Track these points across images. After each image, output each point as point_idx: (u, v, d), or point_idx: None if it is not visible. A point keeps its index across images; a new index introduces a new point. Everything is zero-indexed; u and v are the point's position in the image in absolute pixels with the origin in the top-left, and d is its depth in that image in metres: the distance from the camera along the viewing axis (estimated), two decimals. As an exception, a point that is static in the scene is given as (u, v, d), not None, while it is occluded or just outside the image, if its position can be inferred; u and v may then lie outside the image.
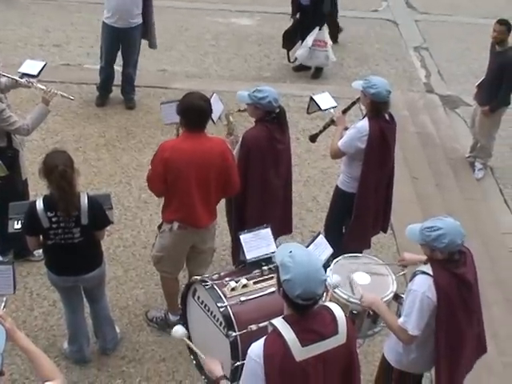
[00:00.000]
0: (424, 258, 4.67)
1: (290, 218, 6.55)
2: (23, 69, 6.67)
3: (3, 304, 4.06)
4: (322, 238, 4.91)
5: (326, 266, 4.83)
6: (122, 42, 9.05)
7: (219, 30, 12.01)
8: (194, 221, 5.62)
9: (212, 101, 5.99)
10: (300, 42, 10.58)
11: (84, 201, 5.24)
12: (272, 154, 5.98)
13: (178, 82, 10.06)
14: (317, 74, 10.76)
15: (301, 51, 10.48)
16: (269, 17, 12.46)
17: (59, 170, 5.05)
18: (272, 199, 6.16)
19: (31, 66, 6.73)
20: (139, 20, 8.93)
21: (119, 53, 9.23)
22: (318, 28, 10.29)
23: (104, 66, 9.26)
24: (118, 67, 9.38)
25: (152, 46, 9.50)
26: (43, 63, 6.82)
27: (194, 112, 5.46)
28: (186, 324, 4.98)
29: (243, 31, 12.07)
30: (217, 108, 6.14)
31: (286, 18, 11.92)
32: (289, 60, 10.88)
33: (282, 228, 6.34)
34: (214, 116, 6.04)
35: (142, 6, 8.92)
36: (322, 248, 4.85)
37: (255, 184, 6.02)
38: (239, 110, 6.36)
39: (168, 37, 11.42)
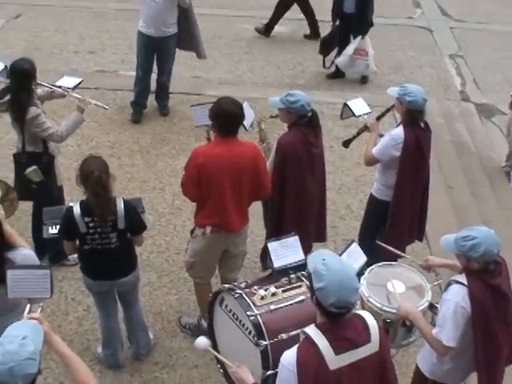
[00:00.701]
0: (449, 262, 4.63)
1: (324, 225, 6.52)
2: (60, 83, 6.76)
3: (40, 308, 4.10)
4: (355, 246, 4.88)
5: (359, 274, 4.81)
6: (157, 51, 9.07)
7: (253, 37, 12.03)
8: (226, 225, 5.65)
9: (243, 109, 6.01)
10: (337, 49, 10.57)
11: (120, 206, 5.29)
12: (307, 159, 5.98)
13: (211, 89, 10.09)
14: (364, 79, 10.73)
15: (341, 58, 10.45)
16: (302, 24, 12.44)
17: (95, 175, 5.11)
18: (309, 205, 6.16)
19: (68, 81, 6.83)
20: (174, 29, 8.95)
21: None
22: (360, 36, 10.27)
23: (141, 76, 9.27)
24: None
25: (200, 56, 9.52)
26: (80, 80, 6.93)
27: (225, 117, 5.49)
28: (212, 333, 4.99)
29: (277, 38, 12.07)
30: (248, 115, 6.15)
31: (320, 24, 11.96)
32: (324, 66, 10.86)
33: (318, 235, 6.33)
34: (246, 123, 6.06)
35: (183, 19, 8.93)
36: (356, 256, 4.83)
37: (292, 189, 6.02)
38: (271, 116, 6.36)
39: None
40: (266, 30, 12.12)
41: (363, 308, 4.62)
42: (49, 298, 4.28)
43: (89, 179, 5.13)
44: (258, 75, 10.86)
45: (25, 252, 4.63)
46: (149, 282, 6.79)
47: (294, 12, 12.31)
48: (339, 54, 10.58)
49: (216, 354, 4.65)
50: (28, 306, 4.10)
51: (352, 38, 10.42)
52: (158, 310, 6.54)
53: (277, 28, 12.34)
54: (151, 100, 9.48)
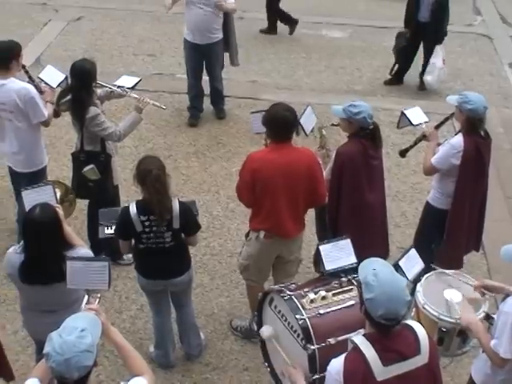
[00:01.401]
0: (506, 287, 4.53)
1: (386, 239, 6.42)
2: (119, 82, 6.85)
3: (98, 299, 4.16)
4: (414, 252, 4.83)
5: (416, 280, 4.76)
6: (204, 58, 9.10)
7: (311, 43, 12.01)
8: (281, 231, 5.65)
9: (306, 113, 6.03)
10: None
11: (176, 206, 5.34)
12: (366, 170, 5.92)
13: (268, 94, 10.10)
14: (422, 86, 10.60)
15: (432, 76, 10.24)
16: (361, 30, 12.40)
17: (153, 173, 5.18)
18: (366, 217, 6.07)
19: (127, 81, 6.92)
20: (219, 35, 8.96)
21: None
22: (438, 46, 10.14)
23: (192, 82, 9.34)
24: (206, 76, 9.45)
25: (233, 63, 9.54)
26: (138, 79, 7.02)
27: (278, 123, 5.49)
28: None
29: (335, 44, 12.03)
30: (310, 120, 6.14)
31: (377, 31, 11.91)
32: (391, 72, 10.72)
33: (377, 249, 6.22)
34: (307, 128, 6.04)
35: (223, 24, 8.95)
36: (414, 262, 4.77)
37: (348, 200, 5.96)
38: (333, 124, 6.32)
39: (260, 48, 11.51)
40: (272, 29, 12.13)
41: (418, 316, 4.56)
42: (106, 290, 4.36)
43: (147, 177, 5.20)
44: (315, 80, 10.83)
45: (82, 251, 4.73)
46: (201, 283, 6.83)
47: (352, 18, 12.28)
48: (405, 62, 10.47)
49: (277, 346, 4.64)
50: (86, 297, 4.17)
51: (422, 46, 10.27)
52: (210, 311, 6.57)
53: (334, 33, 12.31)
54: (208, 103, 9.53)
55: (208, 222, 7.56)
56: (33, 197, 5.09)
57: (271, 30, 12.17)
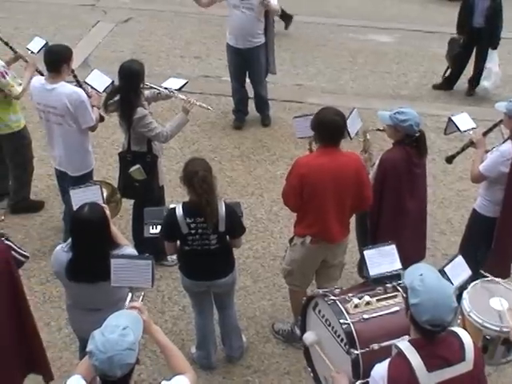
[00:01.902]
0: None
1: (423, 245, 6.36)
2: (166, 84, 6.89)
3: (141, 297, 4.19)
4: (460, 259, 4.76)
5: (463, 288, 4.71)
6: (246, 63, 9.08)
7: (357, 47, 11.96)
8: (327, 236, 5.63)
9: (352, 116, 5.99)
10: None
11: (222, 208, 5.36)
12: (408, 178, 5.87)
13: (313, 97, 10.08)
14: (470, 92, 10.50)
15: (489, 81, 10.14)
16: (408, 34, 12.31)
17: (200, 175, 5.21)
18: (406, 224, 6.02)
19: (174, 83, 6.95)
20: (261, 39, 8.90)
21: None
22: (493, 51, 10.03)
23: (236, 87, 9.35)
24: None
25: (270, 70, 9.47)
26: (185, 81, 7.04)
27: (328, 127, 5.46)
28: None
29: (381, 48, 11.96)
30: (355, 124, 6.11)
31: (424, 36, 11.81)
32: (444, 74, 10.62)
33: (415, 254, 6.18)
34: (352, 131, 6.02)
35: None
36: (460, 269, 4.71)
37: (389, 207, 5.92)
38: (378, 129, 6.28)
39: (306, 52, 11.50)
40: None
41: (464, 323, 4.51)
42: (150, 288, 4.39)
43: (194, 178, 5.22)
44: (361, 85, 10.78)
45: (128, 251, 4.77)
46: (244, 286, 6.84)
47: (399, 23, 12.18)
48: (459, 68, 10.37)
49: (321, 352, 4.64)
50: (129, 295, 4.21)
51: (475, 52, 10.17)
52: (252, 314, 6.57)
53: (381, 38, 12.25)
54: (253, 107, 9.54)
55: (251, 225, 7.57)
56: (80, 196, 5.14)
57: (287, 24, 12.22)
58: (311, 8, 12.12)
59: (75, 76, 6.92)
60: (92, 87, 6.73)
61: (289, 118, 9.26)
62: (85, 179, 6.59)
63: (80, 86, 6.77)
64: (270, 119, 9.53)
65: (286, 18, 12.14)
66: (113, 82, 6.75)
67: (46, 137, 6.89)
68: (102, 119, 6.84)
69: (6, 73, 7.00)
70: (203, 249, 5.44)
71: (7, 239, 5.02)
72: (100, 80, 6.77)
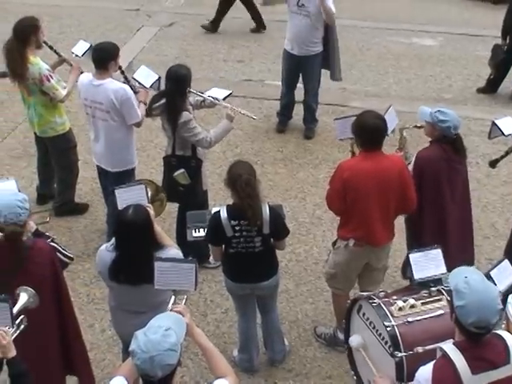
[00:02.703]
0: None
1: (470, 243, 6.30)
2: (211, 93, 6.92)
3: (184, 300, 4.21)
4: (507, 263, 4.71)
5: (508, 292, 4.64)
6: (301, 70, 9.06)
7: (400, 50, 11.89)
8: (371, 239, 5.61)
9: (388, 113, 5.97)
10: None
11: (266, 211, 5.38)
12: (448, 176, 5.84)
13: (356, 101, 10.05)
14: None
15: None
16: (452, 38, 12.21)
17: (244, 178, 5.24)
18: (449, 225, 5.98)
19: (217, 92, 6.99)
20: (319, 48, 8.88)
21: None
22: None
23: (285, 92, 9.33)
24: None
25: (334, 77, 9.41)
26: (229, 92, 7.06)
27: (369, 131, 5.46)
28: (348, 339, 4.97)
29: (425, 52, 11.88)
30: (392, 121, 6.07)
31: (469, 39, 11.70)
32: (488, 78, 10.49)
33: (461, 254, 6.13)
34: (388, 128, 5.95)
35: (324, 36, 8.87)
36: (507, 274, 4.65)
37: (429, 205, 5.88)
38: (416, 126, 6.25)
39: (349, 56, 11.43)
40: (213, 27, 12.37)
41: (508, 328, 4.45)
42: (193, 291, 4.41)
43: (238, 182, 5.25)
44: (405, 88, 10.71)
45: (172, 252, 4.80)
46: (286, 289, 6.83)
47: (443, 26, 12.07)
48: (503, 73, 10.24)
49: (366, 356, 4.62)
50: (173, 297, 4.24)
51: None
52: (294, 317, 6.56)
53: (425, 41, 12.16)
54: (297, 110, 9.51)
55: (294, 229, 7.54)
56: (125, 196, 5.19)
57: (260, 26, 12.41)
58: (355, 12, 12.08)
59: (123, 72, 7.04)
60: (139, 83, 6.85)
61: (332, 122, 9.22)
62: (126, 176, 6.73)
63: (128, 82, 6.89)
64: (314, 133, 9.38)
65: (260, 21, 12.40)
66: (159, 78, 6.86)
67: (90, 133, 6.99)
68: (148, 114, 6.88)
69: (51, 76, 7.11)
70: (248, 251, 5.46)
71: (52, 241, 5.10)
72: (147, 76, 6.90)
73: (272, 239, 5.55)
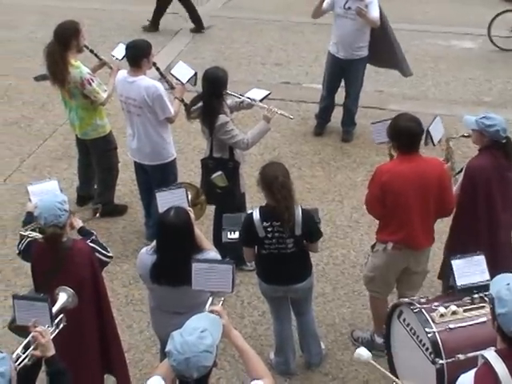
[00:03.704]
0: None
1: None
2: (249, 94, 6.94)
3: (221, 302, 4.22)
4: None
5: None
6: (344, 73, 9.04)
7: (439, 53, 11.82)
8: (412, 243, 5.57)
9: (435, 123, 5.94)
10: None
11: (298, 212, 5.40)
12: (499, 184, 5.73)
13: (394, 104, 10.01)
14: None
15: None
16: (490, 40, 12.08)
17: (279, 180, 5.27)
18: (500, 237, 5.88)
19: (256, 93, 7.01)
20: (363, 53, 8.85)
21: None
22: None
23: (325, 96, 9.32)
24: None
25: (405, 74, 9.37)
26: (267, 92, 7.07)
27: (404, 134, 5.43)
28: (388, 345, 4.94)
29: (464, 54, 11.79)
30: (438, 131, 6.03)
31: (509, 41, 11.55)
32: None
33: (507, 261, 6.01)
34: (435, 138, 5.94)
35: (381, 36, 8.81)
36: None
37: (481, 216, 5.77)
38: (463, 136, 6.17)
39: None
40: (153, 26, 12.57)
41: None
42: (230, 293, 4.42)
43: (274, 184, 5.27)
44: (443, 91, 10.63)
45: (211, 255, 4.82)
46: (323, 292, 6.82)
47: (483, 28, 11.95)
48: None
49: (377, 366, 4.57)
50: (210, 299, 4.25)
51: None
52: (331, 321, 6.55)
53: (464, 44, 12.06)
54: (334, 112, 9.50)
55: (331, 232, 7.55)
56: (166, 198, 5.22)
57: (199, 27, 12.62)
58: (393, 14, 11.97)
59: (158, 69, 7.18)
60: (176, 78, 6.96)
61: (369, 125, 9.19)
62: (165, 169, 6.90)
63: (164, 78, 7.05)
64: (352, 137, 9.35)
65: (199, 21, 12.59)
66: (196, 73, 6.96)
67: (127, 128, 7.12)
68: (187, 108, 6.90)
69: (92, 80, 7.19)
70: (280, 253, 5.47)
71: (92, 241, 5.15)
72: (184, 72, 7.02)
73: (305, 241, 5.54)
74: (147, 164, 7.04)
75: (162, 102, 6.69)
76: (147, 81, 6.73)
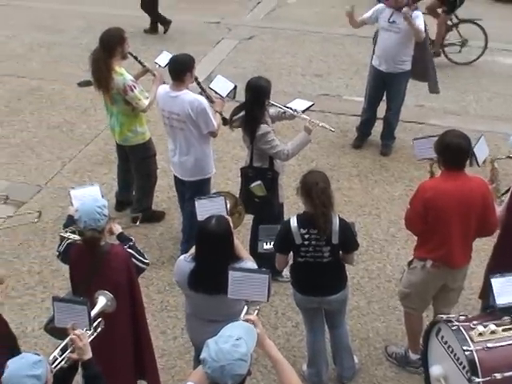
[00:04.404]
0: None
1: None
2: (292, 105, 6.93)
3: (256, 311, 4.23)
4: None
5: None
6: (386, 87, 9.02)
7: (481, 68, 11.72)
8: (450, 261, 5.52)
9: (479, 143, 5.83)
10: None
11: (336, 221, 5.39)
12: None
13: (435, 119, 9.96)
14: None
15: None
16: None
17: (320, 186, 5.28)
18: None
19: (299, 104, 7.00)
20: (406, 67, 8.81)
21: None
22: None
23: (366, 108, 9.32)
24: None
25: (431, 90, 9.35)
26: (311, 103, 7.06)
27: (453, 150, 5.36)
28: (425, 361, 4.91)
29: (507, 70, 11.67)
30: (483, 151, 5.93)
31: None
32: None
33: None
34: (480, 159, 5.84)
35: (419, 50, 8.78)
36: None
37: None
38: (509, 157, 6.11)
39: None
40: (154, 29, 13.04)
41: None
42: (265, 302, 4.42)
43: (313, 189, 5.28)
44: (485, 107, 10.54)
45: (248, 264, 4.84)
46: (358, 306, 6.80)
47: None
48: None
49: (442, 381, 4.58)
50: (245, 308, 4.25)
51: None
52: (365, 335, 6.52)
53: (507, 60, 11.96)
54: (375, 126, 9.47)
55: (367, 245, 7.53)
56: (205, 207, 5.26)
57: (153, 29, 13.04)
58: (434, 29, 11.97)
59: (199, 83, 7.16)
60: (216, 92, 6.95)
61: (409, 139, 9.10)
62: (203, 185, 6.83)
63: (204, 92, 7.00)
64: (391, 151, 9.31)
65: (165, 23, 12.84)
66: (235, 86, 6.95)
67: (169, 143, 7.09)
68: (225, 122, 6.95)
69: (135, 86, 7.25)
70: (316, 261, 5.46)
71: (130, 246, 5.20)
72: (223, 85, 7.01)
73: (341, 252, 5.53)
74: (186, 179, 7.00)
75: (205, 116, 6.66)
76: (191, 95, 6.69)
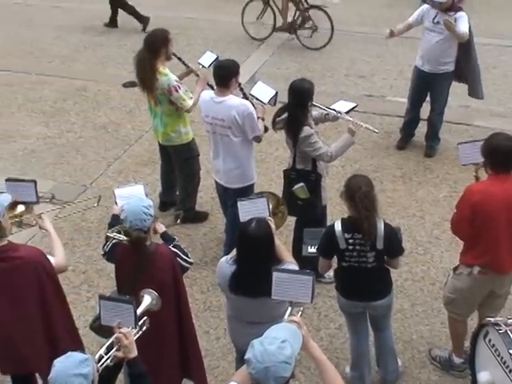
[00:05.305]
0: None
1: None
2: (335, 106, 6.90)
3: (300, 312, 4.22)
4: None
5: None
6: (429, 88, 8.96)
7: (528, 70, 11.58)
8: (498, 266, 5.44)
9: None
10: None
11: (381, 226, 5.34)
12: None
13: (480, 120, 9.85)
14: None
15: None
16: None
17: (363, 190, 5.23)
18: None
19: (343, 105, 6.95)
20: (449, 67, 8.74)
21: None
22: None
23: (409, 109, 9.26)
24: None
25: (473, 95, 9.25)
26: (354, 104, 7.01)
27: (501, 153, 5.28)
28: (472, 365, 4.86)
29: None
30: None
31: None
32: None
33: None
34: None
35: (463, 52, 8.71)
36: None
37: None
38: None
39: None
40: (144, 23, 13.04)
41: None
42: (309, 303, 4.42)
43: (356, 194, 5.24)
44: (532, 108, 10.40)
45: (290, 267, 4.82)
46: (401, 308, 6.75)
47: None
48: None
49: None
50: (289, 309, 4.25)
51: None
52: (409, 338, 6.47)
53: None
54: (419, 127, 9.40)
55: (411, 247, 7.46)
56: (248, 208, 5.27)
57: (113, 23, 13.49)
58: (481, 29, 11.82)
59: (242, 89, 7.14)
60: (257, 99, 6.91)
61: (454, 141, 9.03)
62: (246, 192, 6.75)
63: (246, 99, 6.98)
64: (436, 152, 9.23)
65: (143, 20, 12.93)
66: (276, 93, 6.90)
67: (211, 150, 7.07)
68: (266, 130, 6.96)
69: (179, 87, 7.29)
70: (360, 266, 5.42)
71: (174, 246, 5.22)
72: (264, 91, 6.95)
73: (385, 256, 5.49)
74: (230, 187, 6.97)
75: (252, 121, 6.62)
76: (236, 100, 6.67)
